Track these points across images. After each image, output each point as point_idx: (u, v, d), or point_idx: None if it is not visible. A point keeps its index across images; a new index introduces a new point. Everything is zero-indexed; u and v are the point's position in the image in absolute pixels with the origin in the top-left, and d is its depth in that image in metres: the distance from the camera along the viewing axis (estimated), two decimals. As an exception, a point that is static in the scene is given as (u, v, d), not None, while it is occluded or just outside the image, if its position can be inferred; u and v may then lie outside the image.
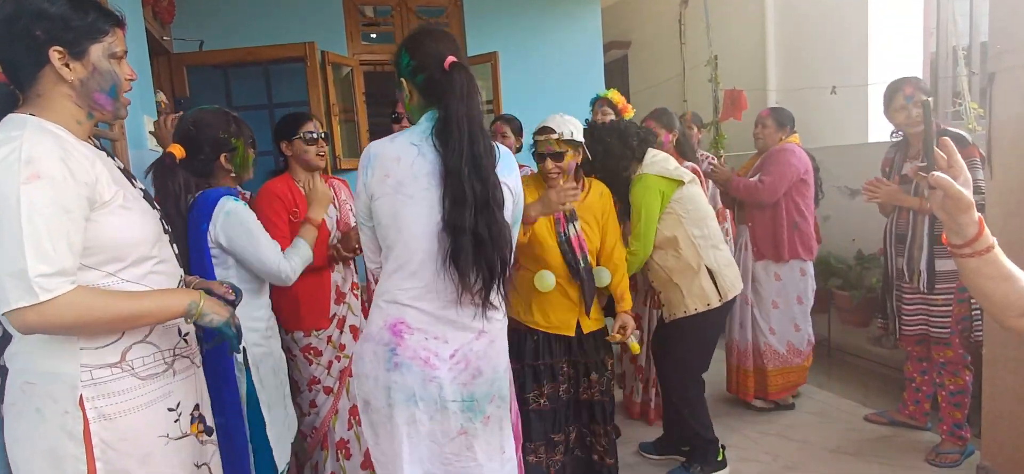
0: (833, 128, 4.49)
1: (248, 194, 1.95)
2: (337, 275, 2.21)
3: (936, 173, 1.05)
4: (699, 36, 5.56)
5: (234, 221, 1.76)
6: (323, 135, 2.21)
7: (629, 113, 3.42)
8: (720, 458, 2.53)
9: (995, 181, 2.18)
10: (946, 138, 1.11)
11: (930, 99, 1.16)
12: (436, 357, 1.40)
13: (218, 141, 1.80)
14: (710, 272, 2.33)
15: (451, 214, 1.34)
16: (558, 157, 2.14)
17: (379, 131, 2.53)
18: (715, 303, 2.34)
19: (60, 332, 1.10)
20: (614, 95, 3.34)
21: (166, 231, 1.36)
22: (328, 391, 2.20)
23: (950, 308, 2.49)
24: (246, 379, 1.81)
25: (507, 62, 4.46)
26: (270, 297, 1.99)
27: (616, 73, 7.09)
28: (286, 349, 2.23)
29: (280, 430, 1.90)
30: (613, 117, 3.31)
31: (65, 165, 1.10)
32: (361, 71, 4.28)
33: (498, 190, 1.38)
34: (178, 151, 1.74)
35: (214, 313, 1.28)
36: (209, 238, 1.76)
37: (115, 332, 1.17)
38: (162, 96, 2.98)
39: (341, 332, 2.21)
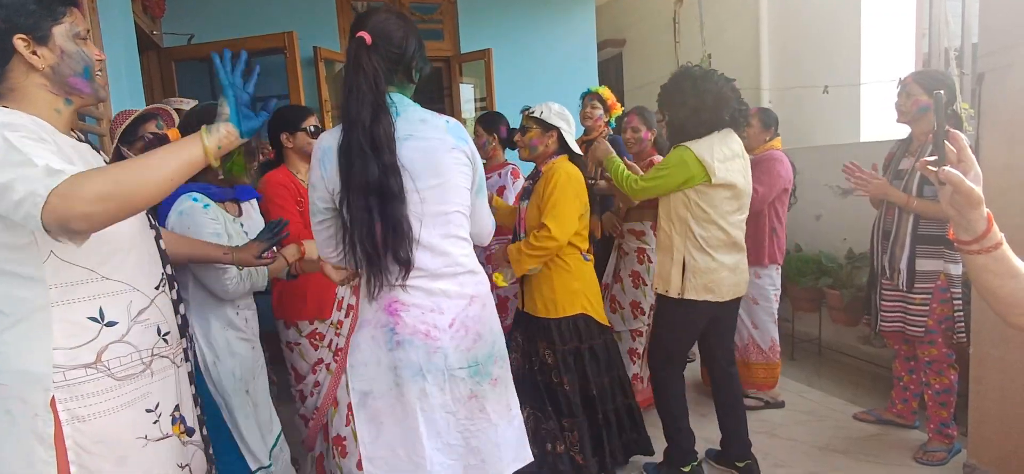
0: (825, 127, 4.51)
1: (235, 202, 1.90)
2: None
3: (946, 168, 1.03)
4: (693, 35, 5.56)
5: (184, 222, 1.71)
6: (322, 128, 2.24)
7: (617, 110, 3.44)
8: (688, 469, 2.43)
9: (984, 180, 2.18)
10: (957, 132, 1.09)
11: (942, 91, 1.14)
12: (436, 329, 1.42)
13: None
14: (683, 266, 2.30)
15: (344, 198, 1.35)
16: (523, 131, 2.44)
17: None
18: (673, 294, 2.31)
19: (96, 209, 0.97)
20: (604, 91, 3.37)
21: (153, 227, 1.34)
22: (328, 367, 2.19)
23: (928, 307, 2.49)
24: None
25: (501, 59, 4.46)
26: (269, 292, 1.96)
27: (611, 71, 7.09)
28: (287, 342, 2.21)
29: (246, 433, 1.84)
30: (602, 113, 3.33)
31: (43, 132, 1.09)
32: (354, 67, 4.26)
33: (392, 171, 1.34)
34: (174, 135, 1.70)
35: (222, 134, 1.16)
36: None
37: (144, 200, 1.05)
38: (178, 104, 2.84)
39: (340, 310, 2.20)
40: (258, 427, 1.89)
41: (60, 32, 1.15)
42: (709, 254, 2.29)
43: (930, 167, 1.07)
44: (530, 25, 4.68)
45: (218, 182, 1.85)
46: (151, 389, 1.24)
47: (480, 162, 1.55)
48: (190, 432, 1.35)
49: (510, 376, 1.59)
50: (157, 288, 1.29)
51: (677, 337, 2.44)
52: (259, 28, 3.77)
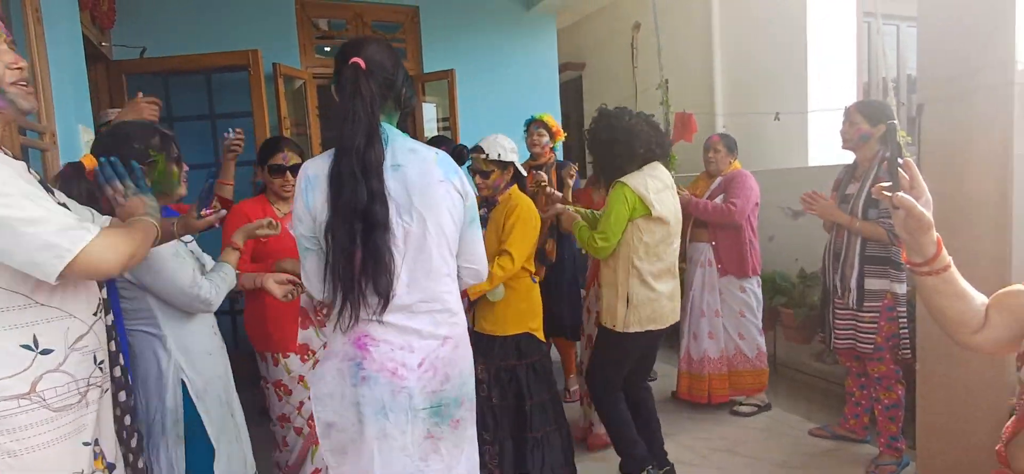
0: (775, 152, 4.70)
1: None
2: (304, 300, 2.16)
3: (900, 193, 1.09)
4: (651, 60, 5.73)
5: None
6: (293, 166, 2.20)
7: (561, 136, 3.58)
8: None
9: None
10: (909, 160, 1.15)
11: (895, 121, 1.21)
12: (404, 367, 1.38)
13: (133, 153, 1.63)
14: (627, 300, 2.40)
15: (327, 222, 1.32)
16: (485, 174, 2.43)
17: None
18: (618, 328, 2.41)
19: (106, 274, 1.14)
20: (548, 118, 3.52)
21: None
22: (299, 432, 2.13)
23: (876, 325, 2.61)
24: (184, 414, 1.70)
25: (464, 79, 4.48)
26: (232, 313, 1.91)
27: (571, 93, 7.21)
28: (262, 375, 2.17)
29: (229, 465, 1.78)
30: (548, 139, 3.44)
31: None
32: (314, 84, 4.20)
33: (378, 199, 1.31)
34: (88, 162, 1.56)
35: (143, 206, 1.34)
36: None
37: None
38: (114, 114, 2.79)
39: (303, 362, 2.14)
40: (241, 454, 1.83)
41: None
42: (650, 286, 2.41)
43: (885, 192, 1.13)
44: (493, 46, 4.73)
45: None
46: (86, 421, 1.18)
47: (472, 193, 1.52)
48: (111, 468, 1.27)
49: (473, 418, 1.55)
50: (95, 314, 1.23)
51: (617, 367, 2.52)
52: (216, 44, 3.67)
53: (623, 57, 6.18)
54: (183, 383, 1.70)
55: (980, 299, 1.16)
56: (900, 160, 1.18)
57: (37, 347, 1.10)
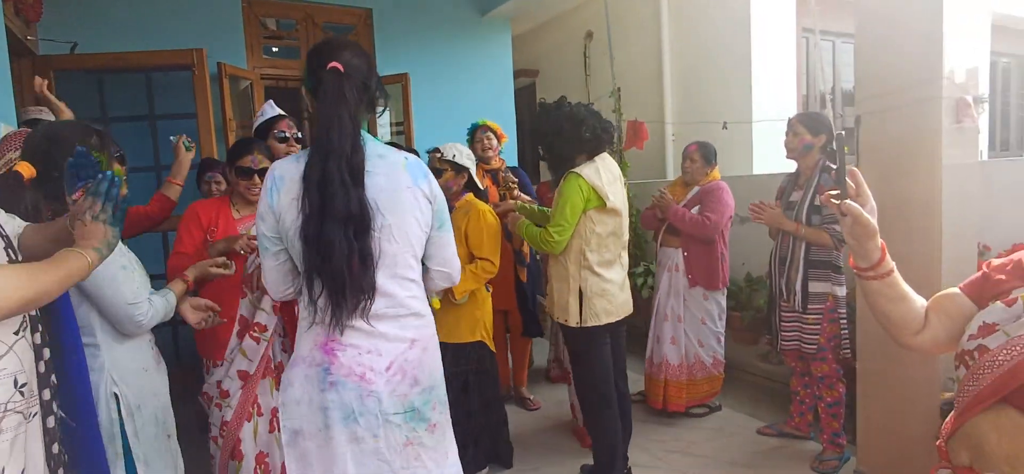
0: (722, 160, 4.84)
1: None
2: (245, 306, 2.06)
3: (847, 201, 1.13)
4: (603, 68, 5.83)
5: None
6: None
7: (505, 139, 3.63)
8: None
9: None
10: (855, 169, 1.19)
11: (842, 133, 1.26)
12: (371, 372, 1.37)
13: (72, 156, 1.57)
14: (580, 294, 2.41)
15: (302, 225, 1.32)
16: (437, 173, 2.47)
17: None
18: (572, 323, 2.41)
19: None
20: (492, 124, 3.59)
21: (12, 259, 1.16)
22: (215, 441, 2.04)
23: (820, 326, 2.73)
24: (119, 430, 1.60)
25: (418, 84, 4.42)
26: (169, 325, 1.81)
27: (524, 100, 7.25)
28: (204, 392, 2.07)
29: None
30: (497, 143, 3.48)
31: None
32: (262, 85, 4.05)
33: (353, 201, 1.31)
34: (26, 170, 1.44)
35: (102, 238, 1.20)
36: None
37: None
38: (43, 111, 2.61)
39: (228, 375, 2.04)
40: None
41: None
42: (601, 276, 2.43)
43: (833, 200, 1.17)
44: (448, 51, 4.70)
45: None
46: (2, 450, 1.06)
47: (442, 197, 1.53)
48: None
49: (449, 420, 1.54)
50: (17, 333, 1.12)
51: (598, 370, 2.49)
52: (155, 41, 3.49)
53: (576, 65, 6.27)
54: (116, 398, 1.60)
55: (920, 302, 1.21)
56: (847, 169, 1.22)
57: None
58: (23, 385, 1.11)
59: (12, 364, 1.09)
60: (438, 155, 2.57)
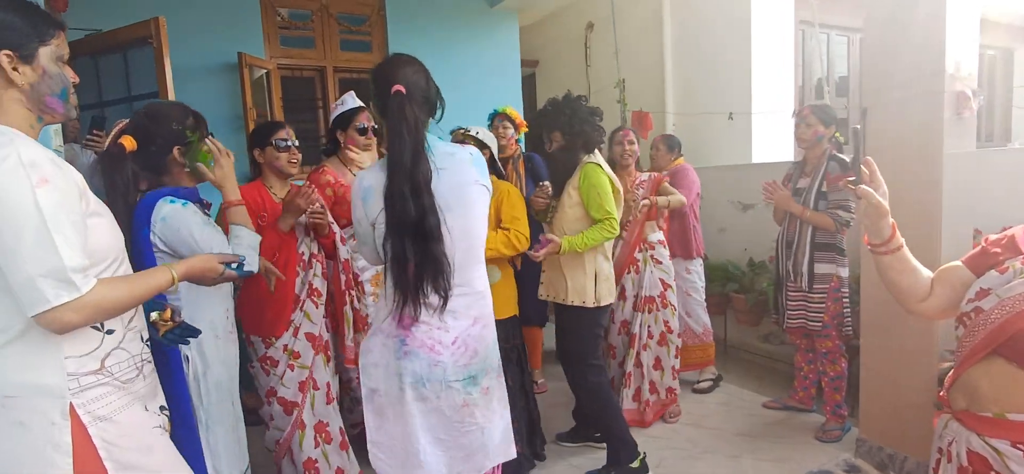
0: (722, 150, 5.02)
1: (209, 202, 1.83)
2: (298, 280, 2.18)
3: (862, 186, 1.31)
4: (603, 59, 5.96)
5: (173, 226, 1.66)
6: (296, 143, 2.24)
7: (524, 128, 3.73)
8: (636, 465, 2.59)
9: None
10: (870, 158, 1.36)
11: (859, 126, 1.45)
12: (440, 345, 1.56)
13: (172, 133, 1.70)
14: (595, 276, 2.58)
15: (386, 234, 1.50)
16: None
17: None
18: (590, 304, 2.56)
19: (86, 323, 1.12)
20: (511, 111, 3.69)
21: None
22: (286, 406, 2.14)
23: (824, 305, 2.91)
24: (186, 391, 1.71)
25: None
26: (233, 297, 1.90)
27: (525, 90, 7.32)
28: (246, 358, 2.16)
29: (222, 452, 1.79)
30: (512, 131, 3.59)
31: (58, 169, 1.10)
32: (278, 74, 4.13)
33: (430, 212, 1.47)
34: (129, 143, 1.63)
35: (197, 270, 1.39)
36: (152, 243, 1.66)
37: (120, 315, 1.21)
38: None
39: (296, 338, 2.16)
40: (237, 444, 1.82)
41: (45, 53, 1.17)
42: (608, 261, 2.65)
43: (850, 185, 1.35)
44: (457, 41, 4.79)
45: (187, 181, 1.77)
46: (145, 391, 1.28)
47: (491, 190, 1.70)
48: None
49: (502, 383, 1.73)
50: None
51: (594, 342, 2.66)
52: (176, 31, 3.51)
53: (576, 56, 6.39)
54: (186, 360, 1.71)
55: (926, 273, 1.40)
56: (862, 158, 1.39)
57: (103, 328, 1.19)
58: (148, 340, 1.33)
59: (139, 322, 1.30)
60: (463, 131, 2.71)
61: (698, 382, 3.65)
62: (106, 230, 1.22)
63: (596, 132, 2.64)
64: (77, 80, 1.26)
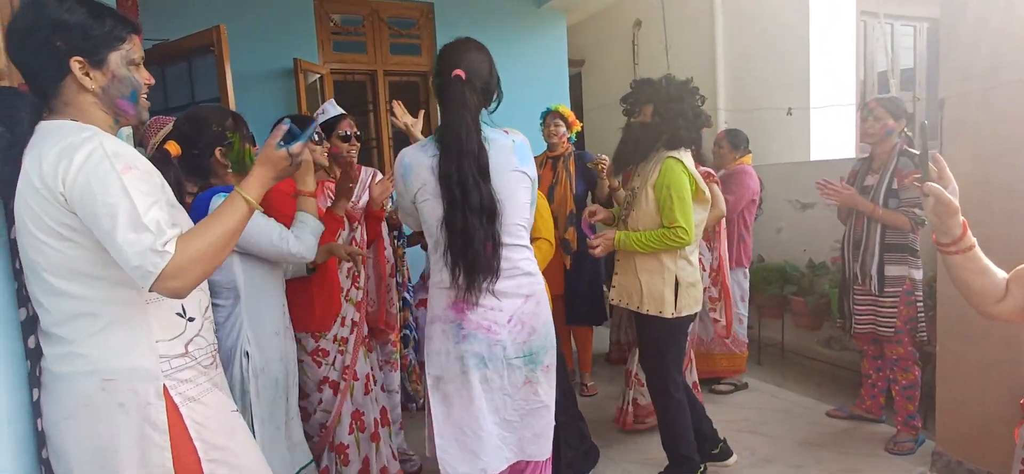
0: (779, 147, 4.84)
1: None
2: (341, 272, 2.26)
3: (930, 183, 1.24)
4: (651, 58, 5.84)
5: None
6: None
7: (577, 127, 3.67)
8: None
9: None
10: (937, 154, 1.29)
11: (926, 122, 1.37)
12: (496, 324, 1.61)
13: (212, 135, 1.74)
14: (676, 283, 2.35)
15: (445, 215, 1.55)
16: None
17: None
18: (668, 314, 2.33)
19: (195, 280, 1.13)
20: (564, 109, 3.61)
21: None
22: (334, 387, 2.20)
23: (896, 309, 2.75)
24: (244, 387, 1.73)
25: (477, 75, 4.53)
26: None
27: (570, 90, 7.31)
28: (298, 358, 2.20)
29: (274, 454, 1.77)
30: (564, 130, 3.52)
31: (140, 159, 1.17)
32: (331, 79, 4.22)
33: (485, 195, 1.53)
34: (173, 148, 1.68)
35: (260, 181, 1.32)
36: None
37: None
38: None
39: (342, 327, 2.23)
40: (286, 443, 1.85)
41: (115, 58, 1.21)
42: (693, 265, 2.43)
43: (917, 182, 1.28)
44: (505, 42, 4.79)
45: (231, 180, 1.80)
46: (219, 380, 1.35)
47: (536, 178, 1.73)
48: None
49: (556, 362, 1.75)
50: (209, 289, 1.43)
51: (677, 357, 2.48)
52: (235, 39, 3.64)
53: (623, 54, 6.29)
54: (247, 356, 1.73)
55: (1001, 274, 1.31)
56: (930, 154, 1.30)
57: (185, 314, 1.27)
58: (216, 329, 1.43)
59: (211, 314, 1.37)
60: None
61: (716, 383, 3.58)
62: (187, 219, 1.32)
63: (688, 131, 2.36)
64: (152, 81, 1.30)
